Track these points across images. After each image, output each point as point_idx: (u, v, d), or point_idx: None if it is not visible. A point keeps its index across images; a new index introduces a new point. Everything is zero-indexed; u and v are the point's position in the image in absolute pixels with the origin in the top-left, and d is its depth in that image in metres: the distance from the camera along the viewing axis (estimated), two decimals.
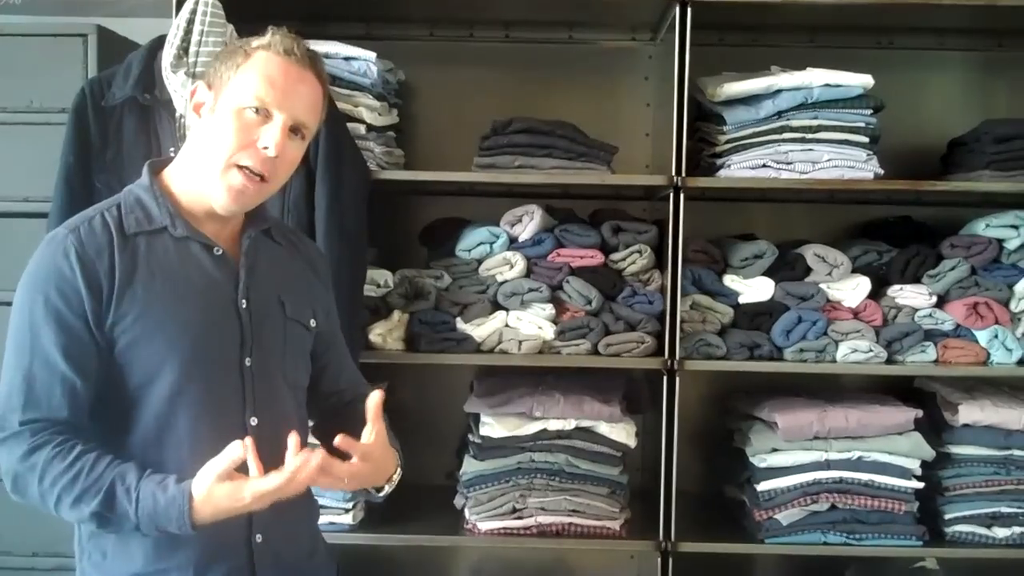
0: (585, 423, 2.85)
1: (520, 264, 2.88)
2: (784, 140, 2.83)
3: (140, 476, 1.68)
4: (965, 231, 2.98)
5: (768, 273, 2.92)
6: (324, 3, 3.03)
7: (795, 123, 2.82)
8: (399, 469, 1.91)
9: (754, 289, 2.90)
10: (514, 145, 2.86)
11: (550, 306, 2.87)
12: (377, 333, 2.83)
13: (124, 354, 1.75)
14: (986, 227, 2.92)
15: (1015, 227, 2.89)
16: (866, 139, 2.84)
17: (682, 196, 2.78)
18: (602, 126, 3.11)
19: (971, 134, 2.98)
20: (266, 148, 1.77)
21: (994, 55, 3.30)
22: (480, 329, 2.86)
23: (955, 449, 2.90)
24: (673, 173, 2.77)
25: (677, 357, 2.80)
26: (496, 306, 2.90)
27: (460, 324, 2.86)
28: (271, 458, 1.67)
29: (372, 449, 1.77)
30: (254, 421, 1.82)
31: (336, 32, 3.05)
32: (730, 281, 2.92)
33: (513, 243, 2.93)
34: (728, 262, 2.95)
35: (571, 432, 2.85)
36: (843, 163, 2.83)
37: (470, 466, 2.87)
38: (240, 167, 1.77)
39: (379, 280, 2.89)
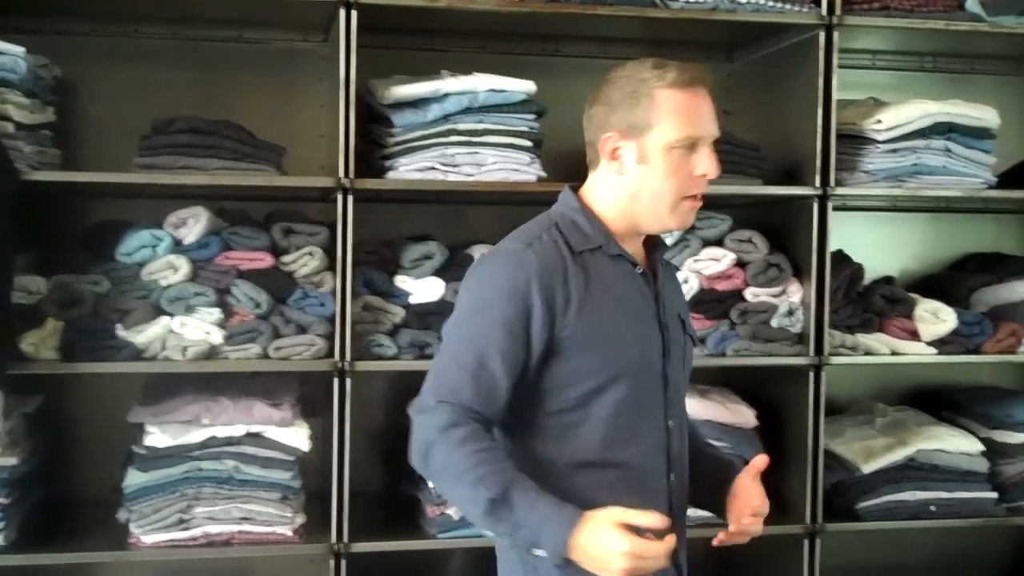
0: (255, 428, 2.81)
1: (185, 268, 2.79)
2: (451, 143, 2.89)
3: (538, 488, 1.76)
4: None
5: (439, 273, 2.97)
6: None
7: (462, 127, 2.89)
8: None
9: (424, 289, 2.94)
10: (177, 145, 2.78)
11: (218, 310, 2.80)
12: (29, 343, 2.68)
13: (576, 361, 1.89)
14: None
15: None
16: (529, 143, 2.94)
17: (351, 198, 2.79)
18: (279, 127, 3.10)
19: None
20: (705, 175, 1.94)
21: None
22: (142, 336, 2.76)
23: None
24: (341, 175, 2.78)
25: (348, 359, 2.80)
26: (160, 311, 2.80)
27: (120, 331, 2.75)
28: (679, 457, 1.99)
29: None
30: (671, 423, 1.99)
31: None
32: (401, 282, 2.95)
33: (178, 246, 2.84)
34: (400, 263, 2.97)
35: (241, 438, 2.80)
36: (507, 166, 2.92)
37: (134, 478, 2.77)
38: (686, 197, 1.94)
39: (31, 287, 2.74)
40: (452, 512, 2.86)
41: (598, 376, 1.89)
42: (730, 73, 3.52)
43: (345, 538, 2.81)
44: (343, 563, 2.82)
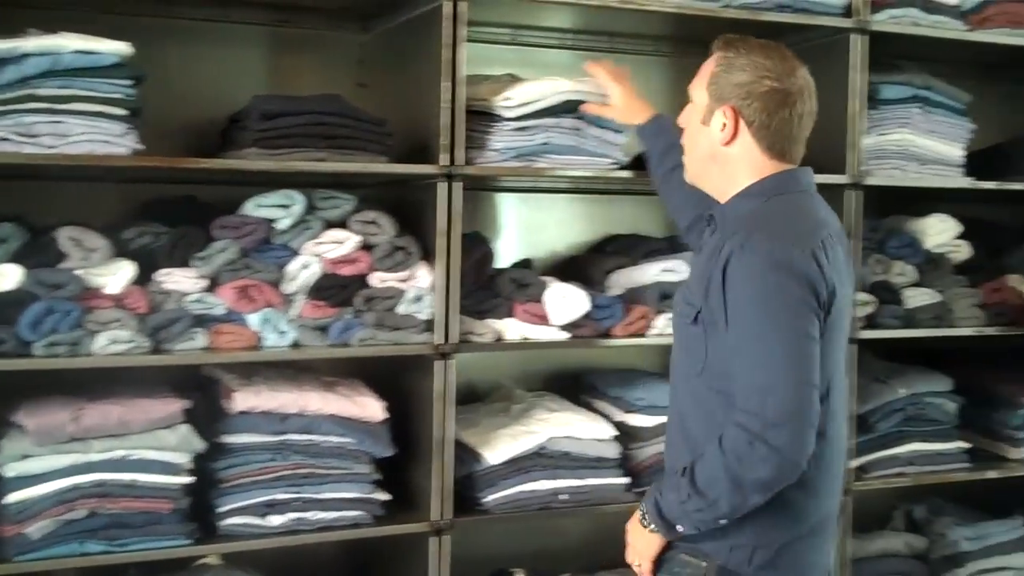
0: None
1: None
2: (30, 111, 2.53)
3: None
4: (241, 211, 2.87)
5: (17, 259, 2.61)
6: None
7: (43, 92, 2.53)
8: None
9: None
10: None
11: None
12: None
13: None
14: (256, 207, 2.83)
15: (285, 207, 2.83)
16: (124, 112, 2.62)
17: None
18: None
19: (244, 110, 2.87)
20: None
21: (281, 31, 3.25)
22: None
23: (230, 438, 2.79)
24: None
25: None
26: None
27: None
28: (668, 448, 2.45)
29: None
30: (673, 413, 2.45)
31: None
32: None
33: None
34: None
35: None
36: (96, 137, 2.58)
37: None
38: None
39: None
40: (32, 531, 2.53)
41: None
42: (363, 44, 3.33)
43: None
44: None
